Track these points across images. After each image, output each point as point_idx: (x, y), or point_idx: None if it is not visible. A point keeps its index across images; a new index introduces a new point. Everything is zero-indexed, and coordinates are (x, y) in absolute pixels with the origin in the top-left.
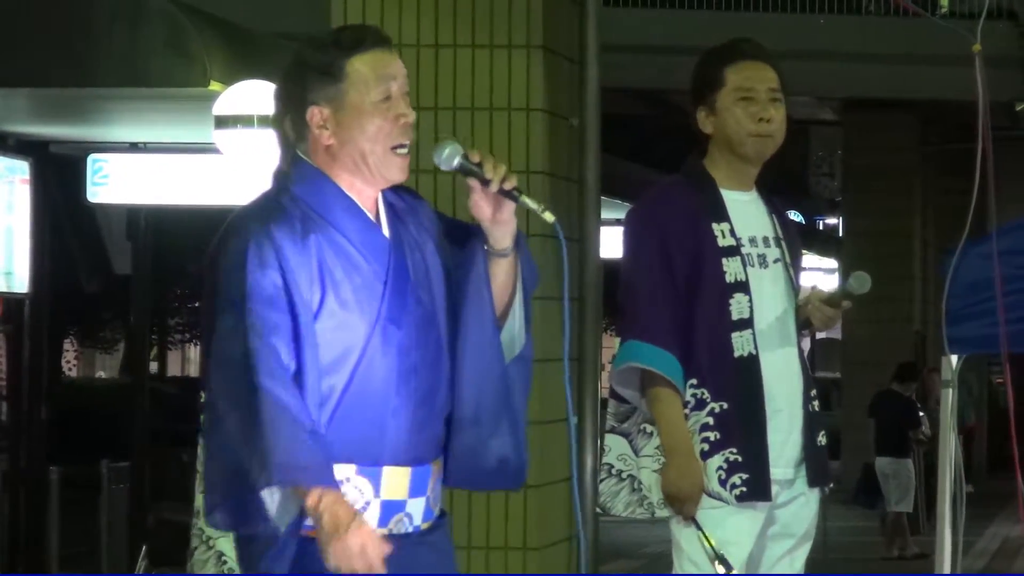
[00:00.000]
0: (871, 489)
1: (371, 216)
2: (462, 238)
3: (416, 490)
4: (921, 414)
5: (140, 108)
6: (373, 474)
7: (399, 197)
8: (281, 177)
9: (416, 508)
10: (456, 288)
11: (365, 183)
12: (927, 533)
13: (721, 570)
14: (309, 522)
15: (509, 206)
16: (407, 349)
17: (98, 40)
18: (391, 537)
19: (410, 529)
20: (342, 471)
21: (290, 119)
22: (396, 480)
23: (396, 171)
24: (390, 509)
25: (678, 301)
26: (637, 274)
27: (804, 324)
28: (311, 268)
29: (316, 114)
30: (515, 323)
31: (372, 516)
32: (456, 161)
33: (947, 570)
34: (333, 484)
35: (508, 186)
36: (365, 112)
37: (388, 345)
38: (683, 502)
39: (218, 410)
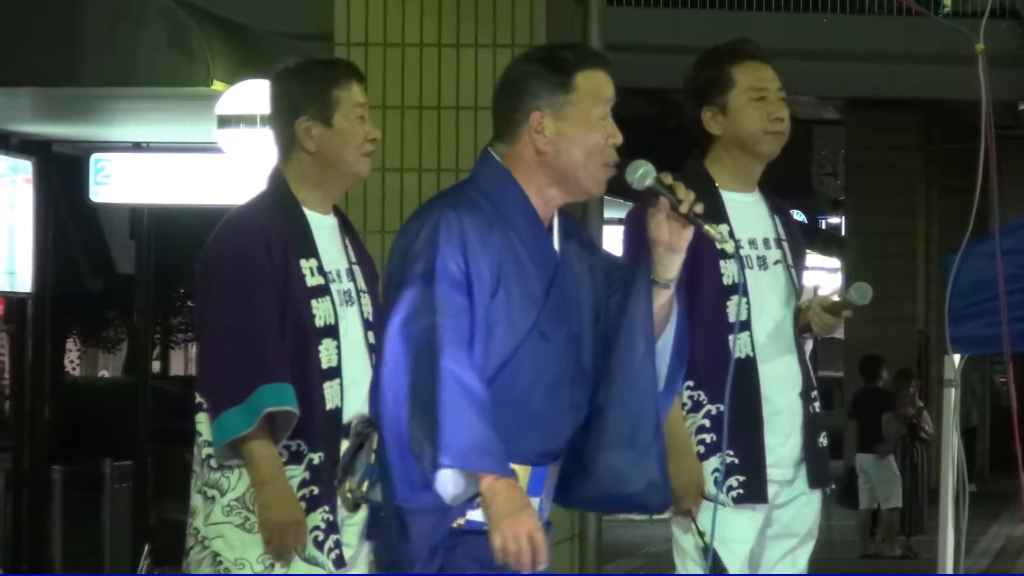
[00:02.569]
0: (854, 491)
1: (545, 227)
2: (621, 267)
3: (534, 489)
4: (924, 412)
5: (143, 107)
6: None
7: (565, 217)
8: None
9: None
10: (614, 312)
11: (561, 192)
12: (929, 532)
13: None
14: (472, 515)
15: (687, 235)
16: (554, 361)
17: (101, 39)
18: None
19: None
20: None
21: (504, 120)
22: (517, 476)
23: (600, 186)
24: None
25: None
26: None
27: (804, 328)
28: (493, 258)
29: (538, 119)
30: (664, 358)
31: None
32: (649, 181)
33: (949, 570)
34: (509, 472)
35: (699, 209)
36: (589, 125)
37: (538, 353)
38: (680, 499)
39: (395, 384)
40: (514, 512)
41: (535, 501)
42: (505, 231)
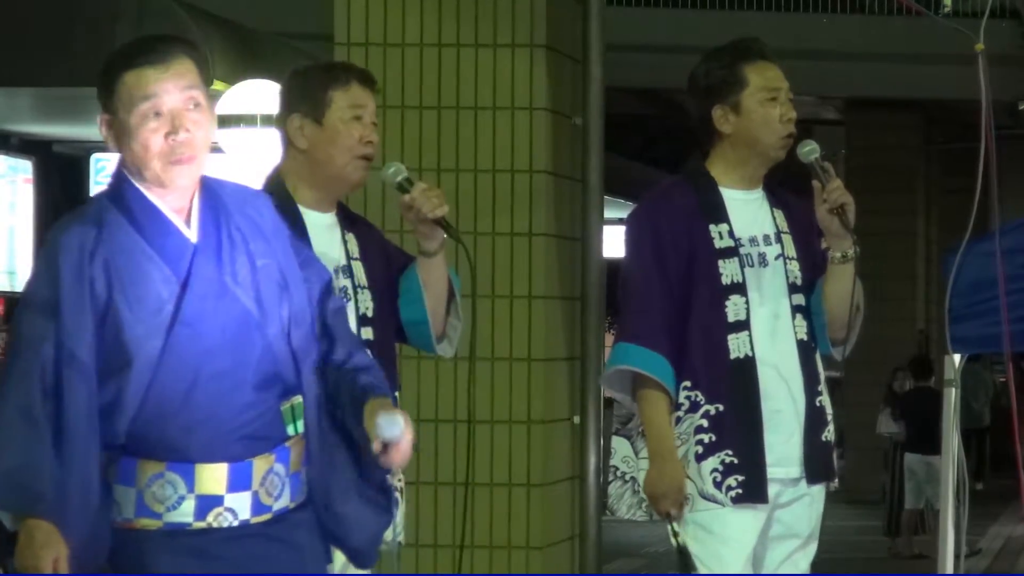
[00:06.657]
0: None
1: (178, 219)
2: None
3: (237, 485)
4: None
5: None
6: (185, 470)
7: (234, 195)
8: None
9: (239, 502)
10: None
11: (156, 187)
12: (929, 532)
13: (680, 568)
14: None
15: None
16: (216, 352)
17: (101, 39)
18: (211, 531)
19: (234, 523)
20: (154, 467)
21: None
22: (211, 476)
23: (168, 179)
24: (206, 503)
25: (671, 302)
26: (631, 275)
27: (841, 258)
28: (96, 268)
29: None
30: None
31: (188, 510)
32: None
33: (949, 570)
34: (35, 511)
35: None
36: (128, 129)
37: (192, 347)
38: (660, 501)
39: None
40: (28, 552)
41: (241, 497)
42: (123, 235)
